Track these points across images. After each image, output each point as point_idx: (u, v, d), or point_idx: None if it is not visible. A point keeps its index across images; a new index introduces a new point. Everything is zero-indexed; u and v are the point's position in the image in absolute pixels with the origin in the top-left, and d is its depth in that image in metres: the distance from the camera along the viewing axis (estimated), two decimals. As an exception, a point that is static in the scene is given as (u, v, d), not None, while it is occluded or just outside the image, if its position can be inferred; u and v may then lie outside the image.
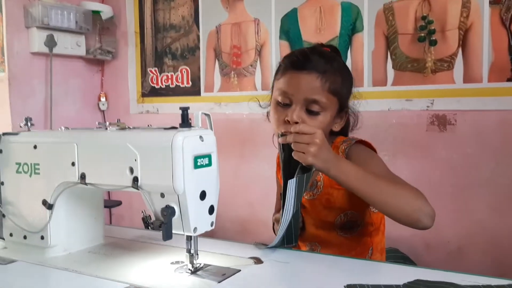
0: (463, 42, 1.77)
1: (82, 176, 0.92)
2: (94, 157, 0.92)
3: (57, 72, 2.43)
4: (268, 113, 1.17)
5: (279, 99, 1.03)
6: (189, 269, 0.87)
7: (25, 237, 1.02)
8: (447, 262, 1.83)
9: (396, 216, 0.93)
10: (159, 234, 1.21)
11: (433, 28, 1.81)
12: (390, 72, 1.91)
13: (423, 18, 1.82)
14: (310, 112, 1.02)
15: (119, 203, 2.06)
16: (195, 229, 0.83)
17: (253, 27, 2.15)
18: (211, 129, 0.89)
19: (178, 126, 0.85)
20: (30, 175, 1.00)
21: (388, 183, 0.95)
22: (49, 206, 0.98)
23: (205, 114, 0.89)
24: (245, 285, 0.83)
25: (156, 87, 2.50)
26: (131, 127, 0.93)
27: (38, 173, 0.99)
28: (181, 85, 2.40)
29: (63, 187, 0.96)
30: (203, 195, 0.84)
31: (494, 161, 1.74)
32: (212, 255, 0.97)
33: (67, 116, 2.51)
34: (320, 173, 1.09)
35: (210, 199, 0.86)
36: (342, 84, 1.06)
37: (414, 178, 1.84)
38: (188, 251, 0.87)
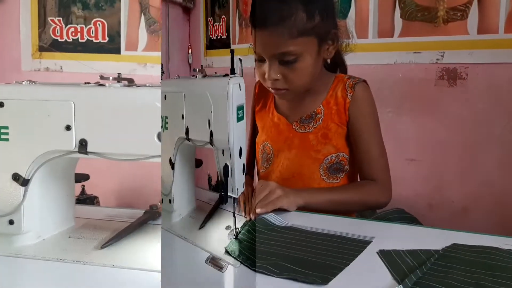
0: (479, -12, 1.58)
1: (82, 143, 0.73)
2: (100, 119, 0.73)
3: None
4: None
5: (255, 56, 0.98)
6: (234, 235, 0.76)
7: (-20, 223, 0.78)
8: (451, 222, 1.76)
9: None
10: (136, 212, 1.04)
11: (446, -29, 1.61)
12: (398, 22, 1.71)
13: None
14: (285, 63, 0.95)
15: (86, 177, 1.66)
16: (237, 190, 0.74)
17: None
18: (242, 76, 0.78)
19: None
20: (-9, 142, 0.76)
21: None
22: (24, 182, 0.76)
23: (240, 59, 0.78)
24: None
25: (60, 40, 2.13)
26: (148, 84, 0.76)
27: (6, 139, 0.76)
28: (95, 40, 2.08)
29: (46, 158, 0.75)
30: (240, 152, 0.75)
31: (506, 117, 1.63)
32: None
33: None
34: (321, 105, 1.05)
35: (243, 157, 0.77)
36: (308, 17, 0.95)
37: (420, 136, 1.81)
38: (234, 214, 0.77)
